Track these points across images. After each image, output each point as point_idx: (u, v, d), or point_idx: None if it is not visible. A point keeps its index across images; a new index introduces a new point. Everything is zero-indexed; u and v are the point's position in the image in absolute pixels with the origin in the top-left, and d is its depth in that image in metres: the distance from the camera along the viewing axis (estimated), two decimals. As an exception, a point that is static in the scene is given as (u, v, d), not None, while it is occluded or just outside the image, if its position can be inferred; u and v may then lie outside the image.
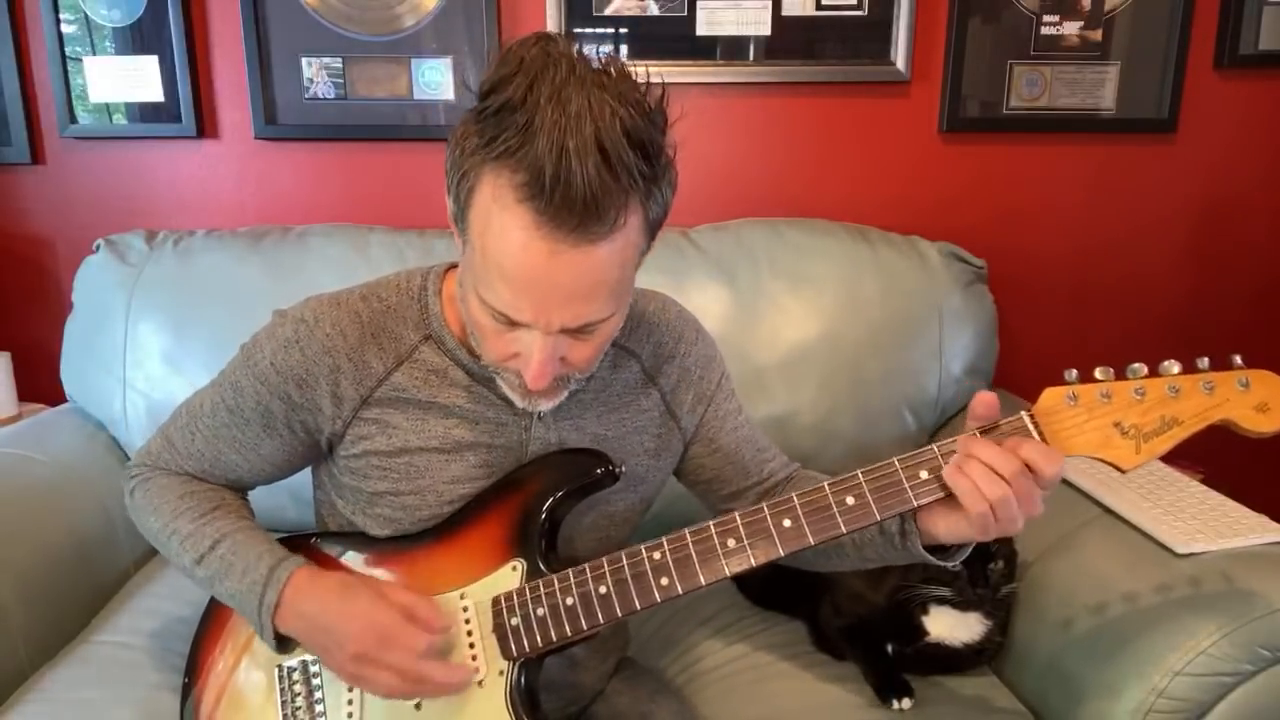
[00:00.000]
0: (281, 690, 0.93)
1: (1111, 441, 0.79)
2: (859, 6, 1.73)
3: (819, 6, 1.72)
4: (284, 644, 0.91)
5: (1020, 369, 1.77)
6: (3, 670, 1.15)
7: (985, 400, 0.81)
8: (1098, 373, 0.80)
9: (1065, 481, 1.30)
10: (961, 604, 1.14)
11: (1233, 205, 1.85)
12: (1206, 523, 1.11)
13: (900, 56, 1.73)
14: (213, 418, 0.96)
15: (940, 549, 0.87)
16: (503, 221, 0.72)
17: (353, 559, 0.96)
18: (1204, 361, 0.80)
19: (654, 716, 1.06)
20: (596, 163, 0.68)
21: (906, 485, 0.82)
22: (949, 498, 0.80)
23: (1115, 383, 0.80)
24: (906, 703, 1.11)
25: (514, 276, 0.73)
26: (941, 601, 1.14)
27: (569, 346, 0.79)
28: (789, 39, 1.74)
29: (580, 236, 0.71)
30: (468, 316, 0.83)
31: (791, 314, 1.54)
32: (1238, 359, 0.80)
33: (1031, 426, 0.80)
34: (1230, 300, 1.90)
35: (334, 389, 0.90)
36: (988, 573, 1.12)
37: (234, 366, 0.95)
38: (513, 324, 0.77)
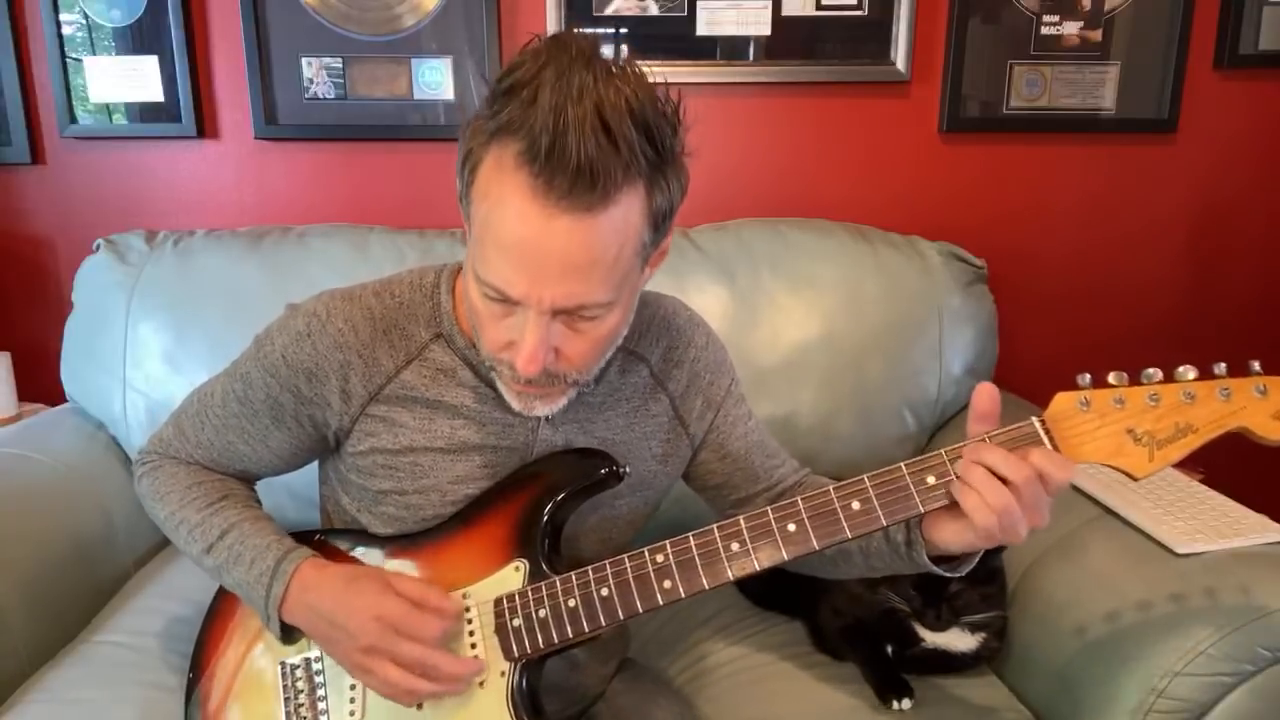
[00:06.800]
0: (285, 686, 0.93)
1: (1124, 449, 0.77)
2: (859, 6, 1.73)
3: (819, 6, 1.72)
4: (290, 635, 0.91)
5: (1020, 369, 1.77)
6: (3, 670, 1.15)
7: (987, 392, 0.79)
8: (1111, 377, 0.78)
9: (1065, 482, 1.30)
10: (921, 619, 1.13)
11: (1232, 205, 1.85)
12: (1206, 523, 1.11)
13: (900, 56, 1.73)
14: (223, 408, 0.96)
15: (949, 559, 0.86)
16: (500, 190, 0.72)
17: (358, 555, 0.96)
18: (1221, 367, 0.77)
19: (654, 716, 1.06)
20: (595, 129, 0.68)
21: (914, 491, 0.80)
22: (955, 505, 0.79)
23: (1129, 388, 0.77)
24: (906, 703, 1.11)
25: (508, 244, 0.73)
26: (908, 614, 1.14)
27: (563, 337, 0.78)
28: (789, 39, 1.74)
29: (574, 203, 0.70)
30: (468, 305, 0.82)
31: (792, 314, 1.54)
32: (1256, 365, 0.77)
33: (1043, 432, 0.78)
34: (1230, 300, 1.90)
35: (343, 384, 0.90)
36: (943, 595, 1.10)
37: (246, 357, 0.95)
38: (508, 305, 0.76)
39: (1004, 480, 0.75)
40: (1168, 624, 0.99)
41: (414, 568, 0.93)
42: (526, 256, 0.72)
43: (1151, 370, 0.78)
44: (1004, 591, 1.18)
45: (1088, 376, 0.78)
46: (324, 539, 0.98)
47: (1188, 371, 0.77)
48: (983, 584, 1.13)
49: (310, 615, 0.88)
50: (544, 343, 0.76)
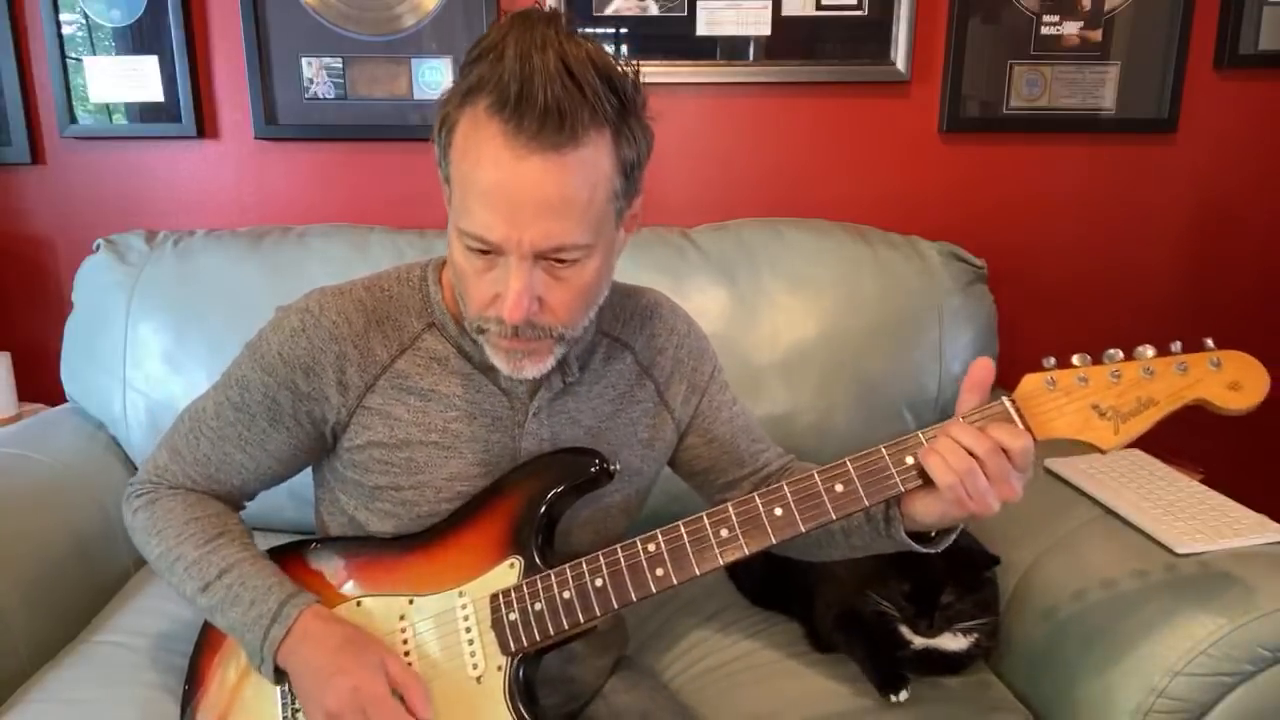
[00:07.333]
0: (283, 691, 0.92)
1: (1091, 423, 0.82)
2: (859, 6, 1.73)
3: (819, 6, 1.72)
4: (281, 677, 0.90)
5: (1020, 369, 1.73)
6: (3, 670, 1.15)
7: (983, 365, 0.84)
8: (1075, 359, 0.83)
9: (1064, 481, 1.30)
10: (914, 628, 1.13)
11: (1232, 205, 1.85)
12: (1206, 523, 1.11)
13: (900, 56, 1.73)
14: (218, 418, 0.96)
15: (927, 539, 0.89)
16: (476, 143, 0.76)
17: (352, 564, 0.96)
18: (1177, 345, 0.82)
19: (653, 715, 1.06)
20: (560, 73, 0.72)
21: (893, 470, 0.84)
22: (930, 481, 0.82)
23: (1092, 367, 0.82)
24: (904, 694, 1.11)
25: (485, 189, 0.76)
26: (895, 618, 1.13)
27: (546, 286, 0.80)
28: (789, 39, 1.74)
29: (544, 143, 0.73)
30: (453, 269, 0.84)
31: (791, 314, 1.54)
32: (1209, 341, 0.82)
33: (1013, 411, 0.82)
34: (1230, 300, 1.89)
35: (340, 376, 0.91)
36: (937, 603, 1.10)
37: (239, 364, 0.95)
38: (490, 256, 0.79)
39: (971, 454, 0.79)
40: (1167, 624, 0.99)
41: (409, 570, 0.93)
42: (502, 199, 0.75)
43: (1113, 350, 0.82)
44: (997, 600, 1.19)
45: (1052, 359, 0.83)
46: (318, 547, 0.98)
47: (1146, 350, 0.82)
48: (974, 593, 1.13)
49: (298, 663, 0.87)
50: (528, 288, 0.78)
